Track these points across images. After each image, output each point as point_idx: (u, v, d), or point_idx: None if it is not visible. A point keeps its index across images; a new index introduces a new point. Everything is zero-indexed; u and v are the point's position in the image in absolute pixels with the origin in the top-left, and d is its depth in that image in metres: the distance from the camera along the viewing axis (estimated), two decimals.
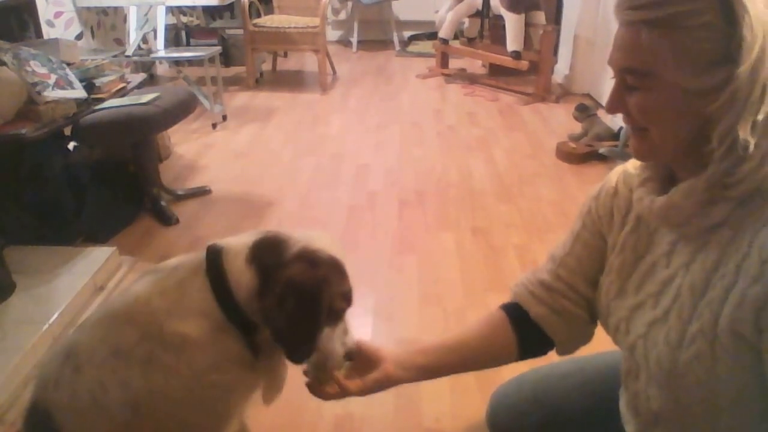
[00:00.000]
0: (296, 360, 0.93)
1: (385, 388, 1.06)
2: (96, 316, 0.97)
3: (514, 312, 1.13)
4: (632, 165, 0.97)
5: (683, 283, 0.83)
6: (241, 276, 0.90)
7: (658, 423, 0.93)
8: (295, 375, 1.71)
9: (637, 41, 0.76)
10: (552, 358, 1.48)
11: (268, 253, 0.91)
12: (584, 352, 1.35)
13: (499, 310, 1.15)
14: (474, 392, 1.61)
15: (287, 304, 0.86)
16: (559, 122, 3.85)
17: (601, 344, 1.17)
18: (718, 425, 0.85)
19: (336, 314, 0.94)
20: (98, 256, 2.07)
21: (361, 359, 1.05)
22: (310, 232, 0.96)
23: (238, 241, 0.94)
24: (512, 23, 4.21)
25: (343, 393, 1.02)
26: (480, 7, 4.58)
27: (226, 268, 0.91)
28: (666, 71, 0.75)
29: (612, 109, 0.84)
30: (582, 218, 1.06)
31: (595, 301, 1.05)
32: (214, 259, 0.92)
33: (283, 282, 0.87)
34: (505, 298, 2.11)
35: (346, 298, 0.95)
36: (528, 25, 4.31)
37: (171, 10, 4.87)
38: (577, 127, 3.40)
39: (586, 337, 1.12)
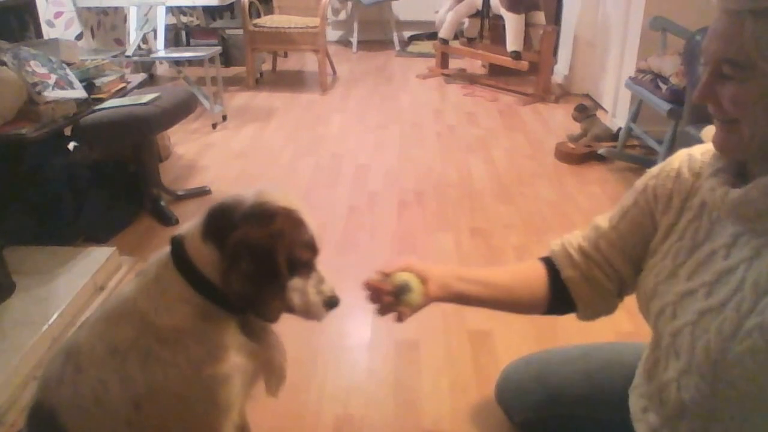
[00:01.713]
0: (270, 319, 0.94)
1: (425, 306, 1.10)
2: (93, 317, 0.98)
3: (550, 268, 1.14)
4: (698, 151, 0.96)
5: (746, 277, 0.82)
6: (202, 254, 0.90)
7: (684, 416, 0.92)
8: (294, 377, 1.71)
9: (740, 31, 0.74)
10: (560, 341, 1.49)
11: (220, 222, 0.90)
12: (588, 339, 1.36)
13: (539, 262, 1.16)
14: (473, 393, 1.61)
15: (242, 266, 0.86)
16: (559, 123, 3.86)
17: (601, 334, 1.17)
18: (746, 424, 0.85)
19: (303, 265, 0.94)
20: (98, 256, 2.07)
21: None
22: (262, 187, 0.95)
23: (193, 223, 0.94)
24: (512, 23, 4.21)
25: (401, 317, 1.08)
26: (480, 8, 4.57)
27: (188, 252, 0.92)
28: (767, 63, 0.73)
29: (702, 98, 0.81)
30: (635, 195, 1.04)
31: (635, 282, 1.05)
32: (177, 247, 0.93)
33: (233, 246, 0.87)
34: None
35: (308, 247, 0.93)
36: (528, 25, 4.31)
37: (171, 10, 4.87)
38: (577, 128, 3.40)
39: (610, 310, 1.14)
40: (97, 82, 2.17)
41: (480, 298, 1.13)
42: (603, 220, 1.10)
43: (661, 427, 0.98)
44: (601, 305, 1.12)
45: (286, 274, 0.90)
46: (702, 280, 0.88)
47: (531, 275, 1.15)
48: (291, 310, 0.97)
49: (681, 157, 0.98)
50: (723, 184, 0.84)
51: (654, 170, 1.02)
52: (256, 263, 0.86)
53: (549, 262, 1.15)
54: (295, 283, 0.94)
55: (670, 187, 0.97)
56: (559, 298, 1.12)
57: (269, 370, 1.03)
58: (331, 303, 0.98)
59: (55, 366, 0.96)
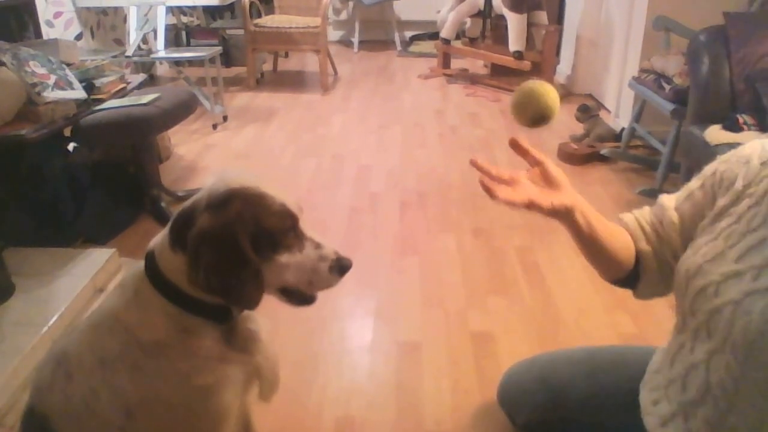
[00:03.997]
0: (248, 306, 0.90)
1: (557, 218, 1.00)
2: (81, 326, 0.97)
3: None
4: None
5: None
6: (174, 265, 0.88)
7: (705, 401, 0.92)
8: (295, 379, 1.70)
9: None
10: (562, 343, 1.48)
11: (182, 227, 0.87)
12: (590, 341, 1.35)
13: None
14: (475, 395, 1.60)
15: (204, 259, 0.83)
16: (561, 123, 3.83)
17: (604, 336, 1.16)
18: (766, 415, 0.85)
19: (282, 236, 0.88)
20: (98, 257, 2.06)
21: (546, 179, 1.02)
22: (219, 174, 0.90)
23: (161, 233, 0.92)
24: (514, 23, 4.20)
25: (528, 199, 0.96)
26: (482, 7, 4.56)
27: (160, 265, 0.89)
28: None
29: None
30: (704, 178, 1.04)
31: (681, 260, 1.03)
32: (149, 261, 0.91)
33: (191, 241, 0.83)
34: (507, 299, 2.10)
35: (278, 216, 0.87)
36: (530, 25, 4.30)
37: (171, 10, 4.86)
38: (579, 128, 3.39)
39: (666, 290, 1.11)
40: (97, 82, 2.16)
41: (597, 231, 1.04)
42: (668, 200, 1.10)
43: (674, 416, 0.97)
44: (663, 283, 1.10)
45: (252, 256, 0.85)
46: (751, 263, 0.88)
47: (627, 236, 1.11)
48: (287, 292, 0.93)
49: (753, 145, 0.99)
50: None
51: (725, 156, 1.02)
52: (217, 252, 0.83)
53: None
54: (284, 258, 0.88)
55: (736, 171, 0.98)
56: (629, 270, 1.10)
57: (260, 377, 1.01)
58: (341, 266, 0.91)
59: (45, 373, 0.96)
